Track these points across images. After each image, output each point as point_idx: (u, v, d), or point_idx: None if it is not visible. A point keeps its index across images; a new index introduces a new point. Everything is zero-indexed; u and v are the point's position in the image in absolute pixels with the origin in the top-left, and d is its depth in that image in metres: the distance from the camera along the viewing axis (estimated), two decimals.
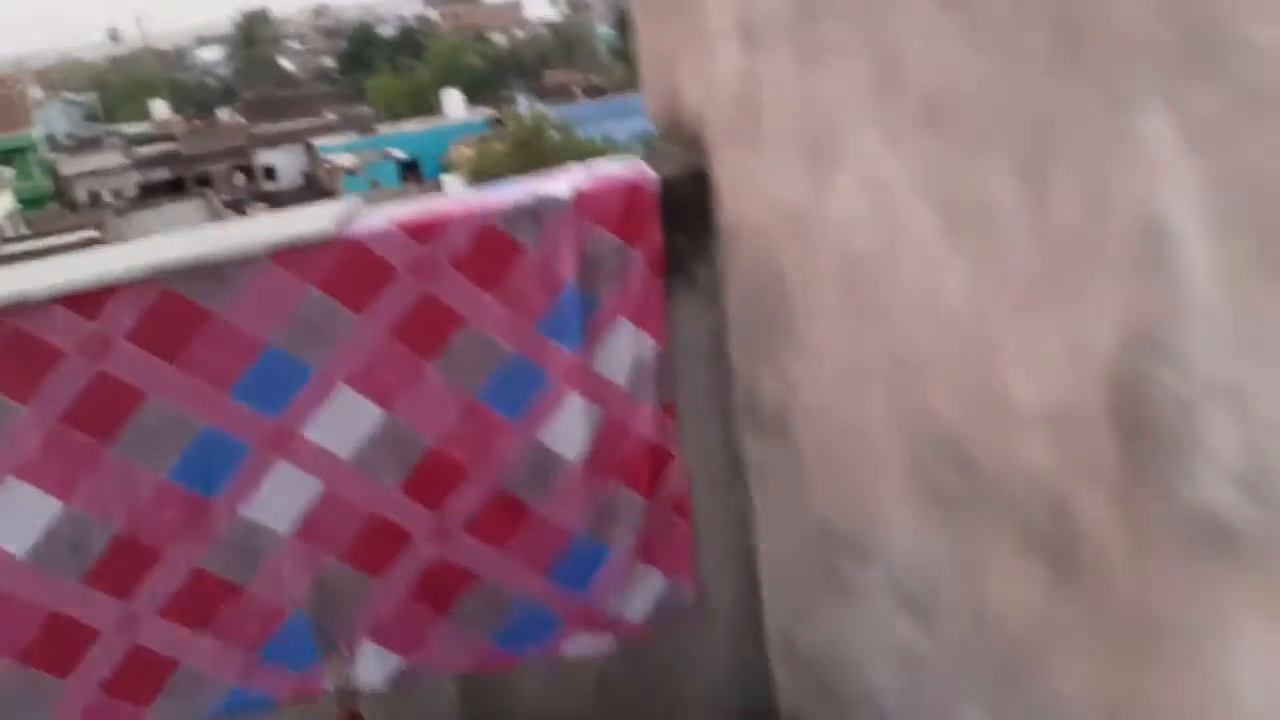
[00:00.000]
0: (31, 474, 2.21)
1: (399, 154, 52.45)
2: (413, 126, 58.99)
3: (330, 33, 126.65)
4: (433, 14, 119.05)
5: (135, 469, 2.27)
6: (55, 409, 2.20)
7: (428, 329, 2.37)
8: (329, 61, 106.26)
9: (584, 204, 2.44)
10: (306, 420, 2.34)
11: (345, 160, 51.58)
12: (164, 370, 2.23)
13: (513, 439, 2.49)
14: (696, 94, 2.60)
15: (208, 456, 2.28)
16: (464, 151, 42.64)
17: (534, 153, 36.47)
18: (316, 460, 2.36)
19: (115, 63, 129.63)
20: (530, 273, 2.39)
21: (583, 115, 42.08)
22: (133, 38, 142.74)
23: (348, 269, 2.29)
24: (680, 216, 2.59)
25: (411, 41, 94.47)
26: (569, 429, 2.49)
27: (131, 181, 61.54)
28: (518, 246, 2.38)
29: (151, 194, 55.70)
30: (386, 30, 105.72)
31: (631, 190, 2.52)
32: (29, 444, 2.19)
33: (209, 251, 2.24)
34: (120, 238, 35.91)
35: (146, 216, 39.63)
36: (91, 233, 42.22)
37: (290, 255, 2.26)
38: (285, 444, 2.32)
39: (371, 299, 2.33)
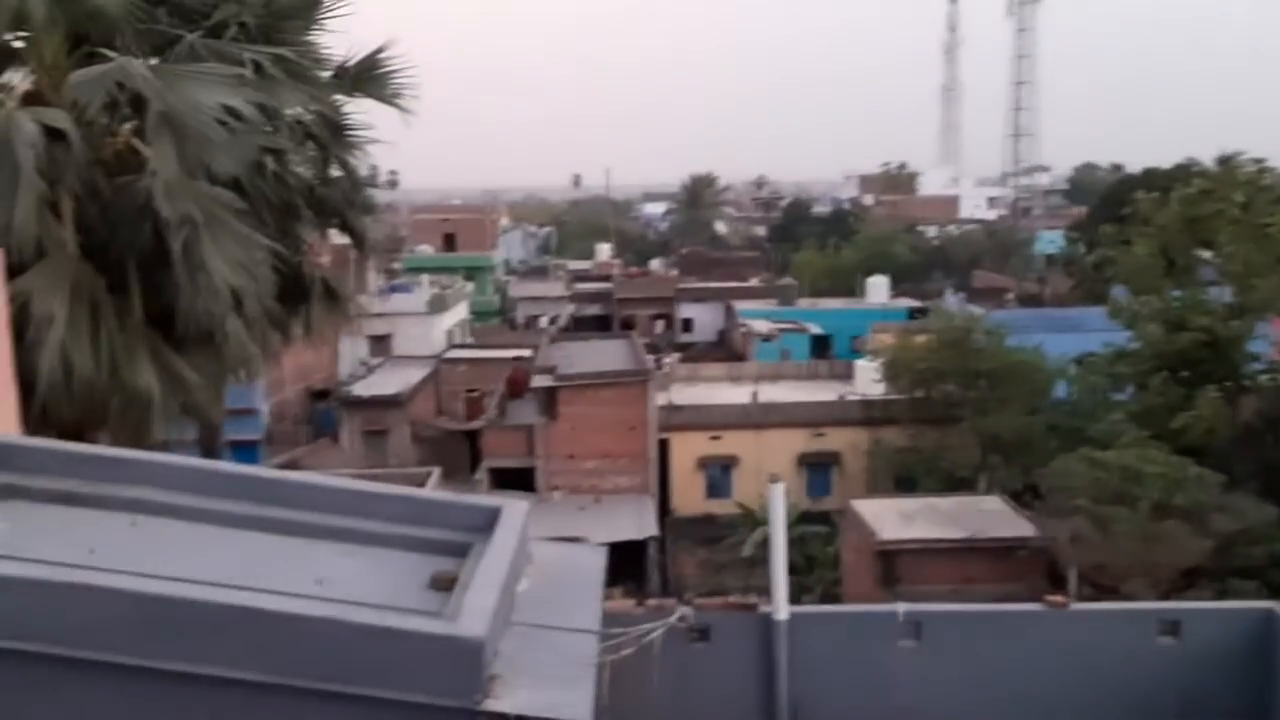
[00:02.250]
0: None
1: (814, 328, 52.80)
2: (832, 304, 59.44)
3: (766, 204, 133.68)
4: (868, 199, 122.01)
5: None
6: None
7: None
8: (760, 230, 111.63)
9: None
10: None
11: (761, 326, 52.66)
12: None
13: None
14: None
15: None
16: (883, 339, 41.81)
17: (960, 354, 34.77)
18: None
19: (573, 205, 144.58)
20: None
21: (1014, 322, 39.98)
22: (592, 185, 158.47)
23: None
24: None
25: (842, 223, 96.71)
26: None
27: (566, 312, 66.96)
28: None
29: (581, 326, 60.02)
30: (820, 208, 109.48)
31: None
32: None
33: None
34: (548, 361, 38.45)
35: (575, 347, 42.25)
36: (525, 351, 45.86)
37: None
38: None
39: None
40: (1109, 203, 54.88)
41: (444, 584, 5.77)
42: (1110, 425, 28.63)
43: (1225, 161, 34.59)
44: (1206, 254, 32.31)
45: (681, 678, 11.77)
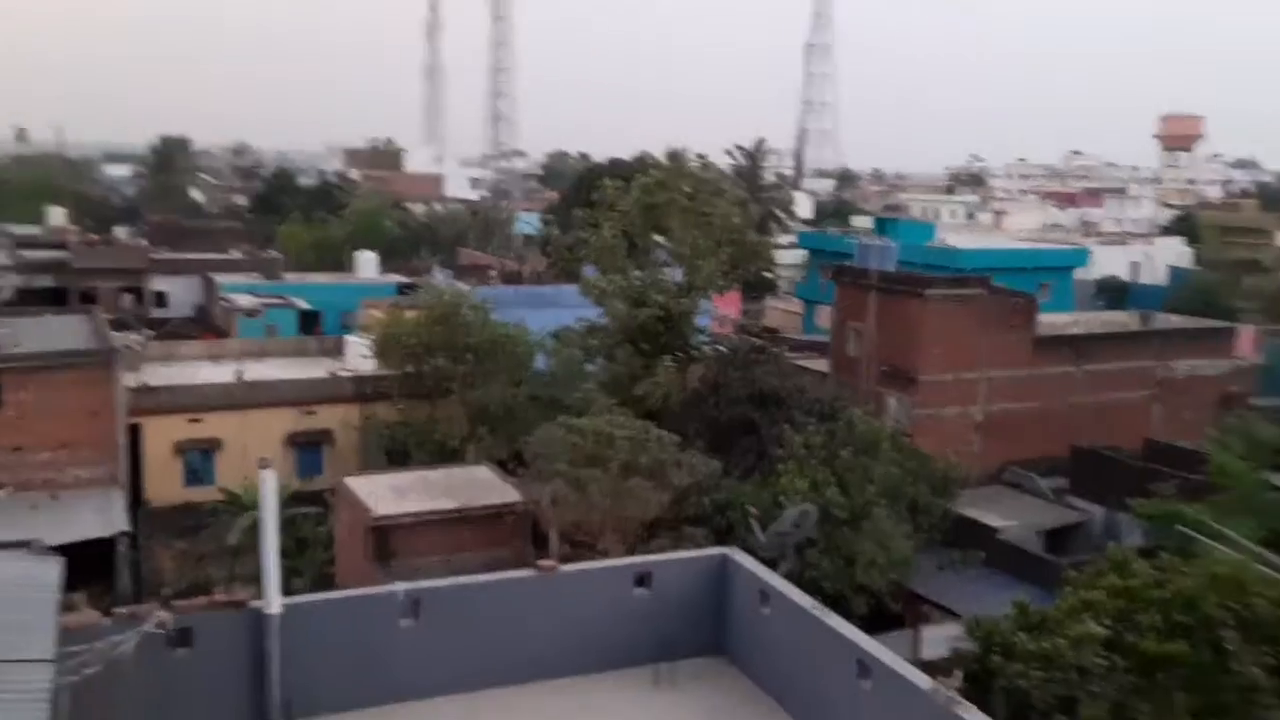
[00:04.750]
0: None
1: (302, 304, 51.04)
2: (320, 279, 57.85)
3: (246, 172, 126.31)
4: (354, 173, 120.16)
5: None
6: None
7: None
8: (241, 200, 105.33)
9: None
10: None
11: (244, 301, 49.84)
12: None
13: None
14: None
15: None
16: (374, 314, 41.48)
17: (449, 330, 35.48)
18: None
19: (17, 161, 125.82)
20: None
21: (498, 299, 41.65)
22: (42, 141, 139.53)
23: None
24: None
25: (329, 196, 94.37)
26: None
27: (10, 283, 58.12)
28: None
29: (29, 299, 52.54)
30: (305, 180, 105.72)
31: None
32: None
33: None
34: None
35: (22, 323, 36.84)
36: None
37: None
38: None
39: None
40: (579, 188, 59.09)
41: None
42: (584, 394, 30.90)
43: (674, 156, 38.57)
44: (661, 238, 35.93)
45: (160, 689, 10.79)
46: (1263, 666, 13.64)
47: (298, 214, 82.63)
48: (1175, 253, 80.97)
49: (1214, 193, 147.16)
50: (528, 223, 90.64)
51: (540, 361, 36.66)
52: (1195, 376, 39.08)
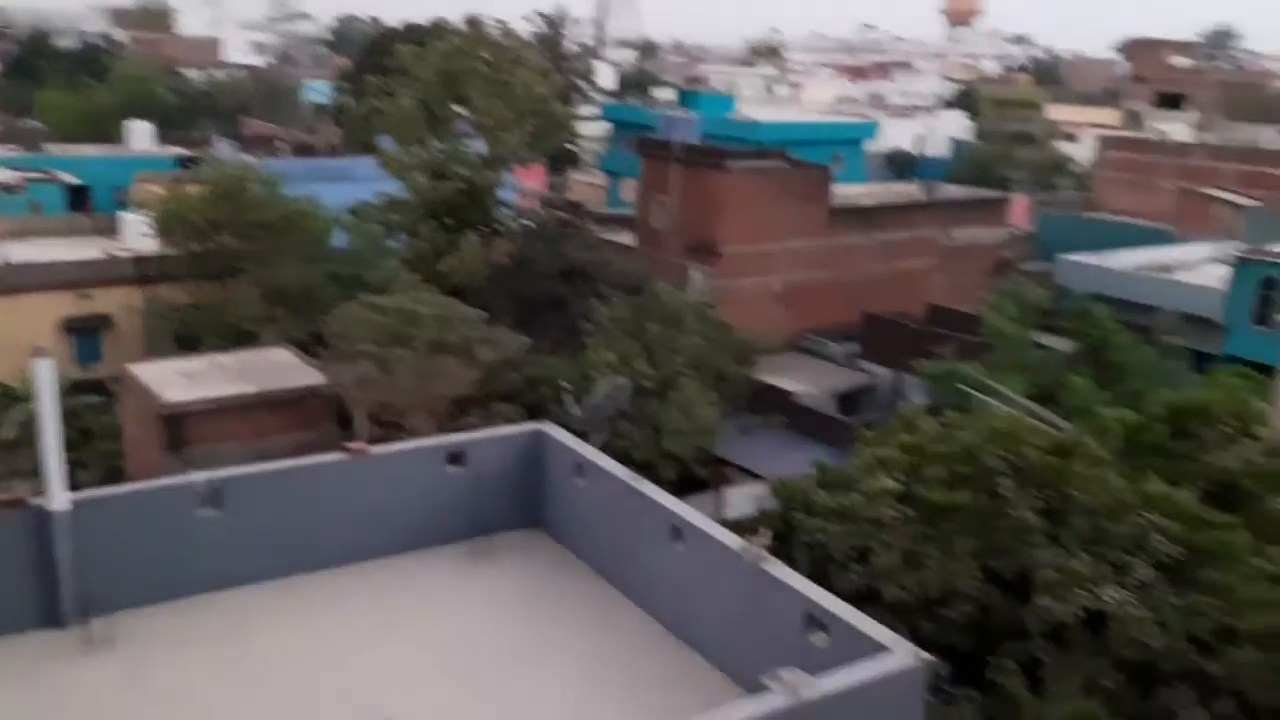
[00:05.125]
0: None
1: (69, 178, 46.89)
2: (88, 151, 53.18)
3: None
4: (120, 35, 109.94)
5: None
6: None
7: None
8: None
9: None
10: None
11: (2, 175, 45.34)
12: None
13: None
14: None
15: None
16: (152, 189, 38.58)
17: (237, 205, 33.46)
18: None
19: None
20: None
21: (288, 172, 39.40)
22: None
23: None
24: None
25: (94, 60, 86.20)
26: None
27: None
28: None
29: None
30: (65, 43, 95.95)
31: None
32: None
33: None
34: None
35: None
36: None
37: None
38: None
39: None
40: (371, 54, 56.14)
41: None
42: (386, 271, 30.00)
43: (473, 22, 37.05)
44: (462, 108, 34.74)
45: None
46: (1034, 509, 14.97)
47: (58, 80, 75.27)
48: (957, 126, 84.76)
49: (992, 67, 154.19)
50: (318, 91, 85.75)
51: (338, 238, 35.22)
52: (973, 244, 41.52)
